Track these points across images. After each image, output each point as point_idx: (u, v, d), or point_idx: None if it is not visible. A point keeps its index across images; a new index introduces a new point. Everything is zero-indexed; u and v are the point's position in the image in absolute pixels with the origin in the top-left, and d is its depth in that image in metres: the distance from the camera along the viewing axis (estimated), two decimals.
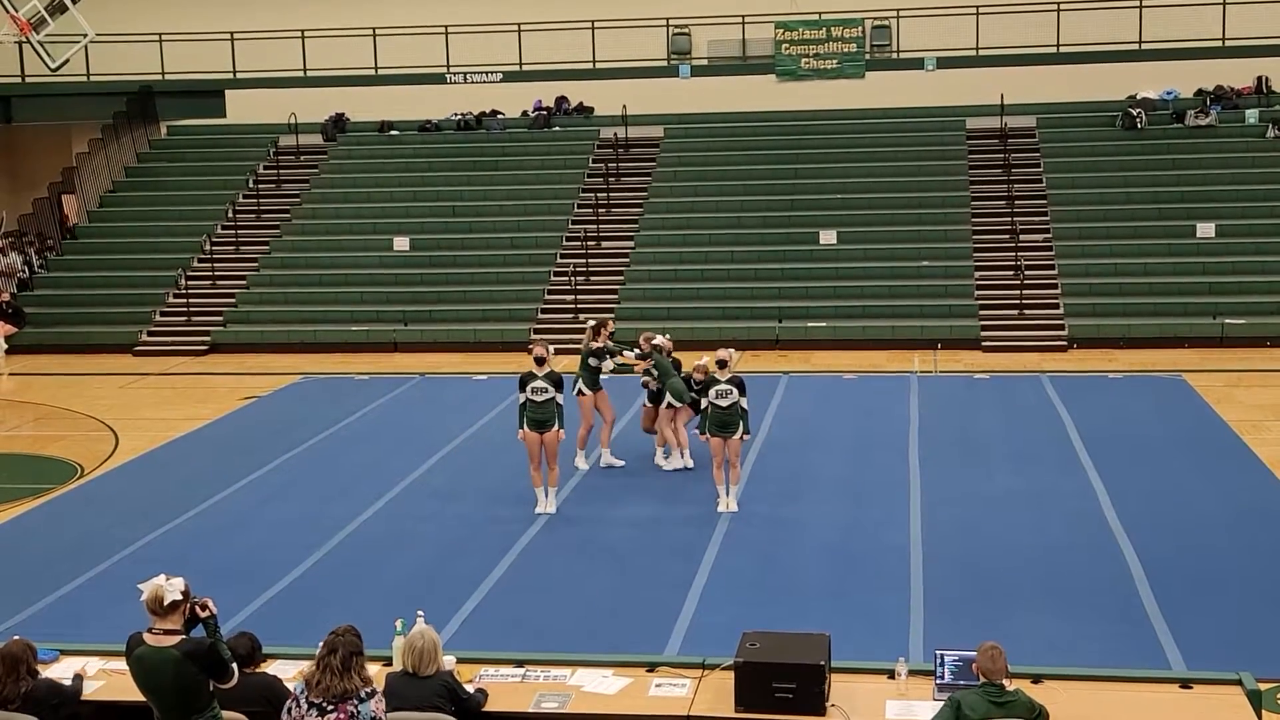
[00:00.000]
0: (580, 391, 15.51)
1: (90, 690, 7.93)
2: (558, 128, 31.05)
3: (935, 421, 17.72)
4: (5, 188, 33.34)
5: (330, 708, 6.73)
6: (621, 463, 15.56)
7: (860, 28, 29.35)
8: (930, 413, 18.28)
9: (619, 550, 12.90)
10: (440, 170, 30.09)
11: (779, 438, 17.17)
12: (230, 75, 31.23)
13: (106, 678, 8.08)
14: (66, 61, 27.78)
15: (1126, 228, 26.15)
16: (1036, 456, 15.86)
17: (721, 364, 13.70)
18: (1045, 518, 13.45)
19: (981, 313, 24.41)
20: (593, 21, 29.73)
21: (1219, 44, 28.29)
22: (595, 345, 15.54)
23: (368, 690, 6.80)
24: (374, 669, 7.17)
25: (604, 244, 27.38)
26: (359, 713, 6.74)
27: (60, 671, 8.13)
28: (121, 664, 7.39)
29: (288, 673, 7.85)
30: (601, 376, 15.63)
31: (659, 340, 15.53)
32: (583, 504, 14.45)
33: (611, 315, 17.63)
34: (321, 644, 6.89)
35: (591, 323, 16.07)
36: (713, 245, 26.90)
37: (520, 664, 8.24)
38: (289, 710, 6.85)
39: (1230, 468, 15.26)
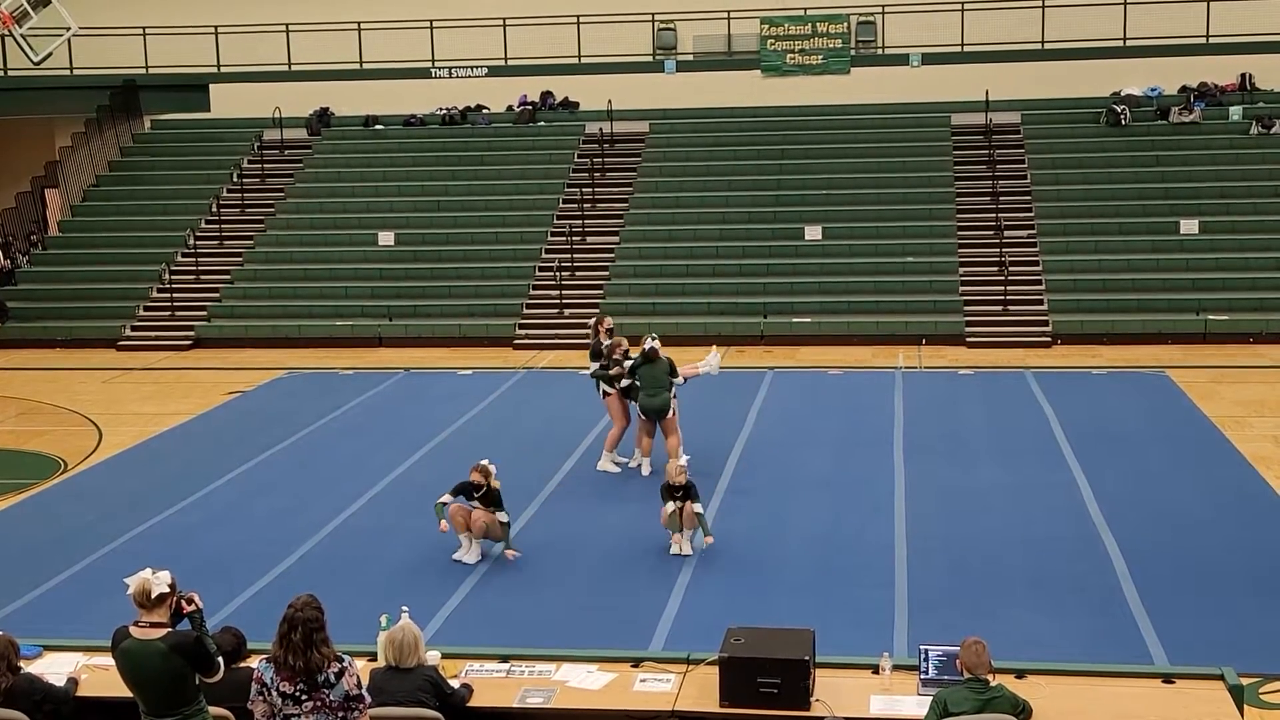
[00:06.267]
0: (605, 392, 15.43)
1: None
2: (543, 123, 31.03)
3: (920, 417, 17.75)
4: None
5: (304, 697, 6.70)
6: (618, 470, 15.46)
7: (845, 23, 29.35)
8: (915, 408, 18.32)
9: (604, 546, 12.89)
10: (425, 165, 30.04)
11: (764, 434, 17.20)
12: (214, 69, 31.11)
13: (90, 673, 8.06)
14: (49, 55, 27.67)
15: (1110, 224, 26.23)
16: (1020, 452, 15.90)
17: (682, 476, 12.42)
18: (1029, 513, 13.49)
19: (966, 308, 24.46)
20: (578, 16, 29.69)
21: (1203, 41, 28.37)
22: (604, 344, 15.47)
23: (335, 671, 6.74)
24: (360, 664, 7.14)
25: (589, 239, 27.37)
26: (329, 701, 6.71)
27: (46, 668, 8.11)
28: (105, 659, 7.38)
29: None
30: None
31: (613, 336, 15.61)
32: (568, 500, 14.45)
33: (607, 314, 17.51)
34: (281, 619, 6.82)
35: (592, 321, 16.08)
36: (698, 241, 26.91)
37: (505, 659, 8.24)
38: (260, 693, 6.81)
39: (1213, 463, 15.32)
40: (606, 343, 15.58)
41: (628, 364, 15.15)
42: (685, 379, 15.28)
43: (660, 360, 14.99)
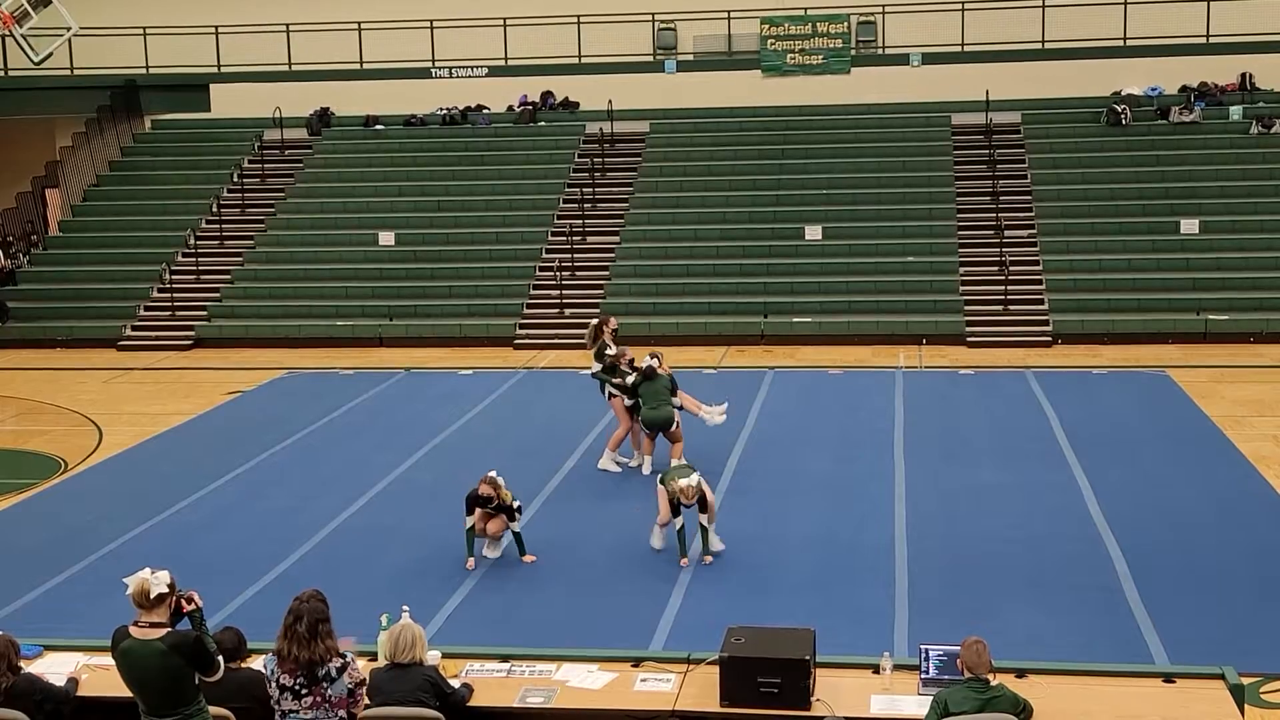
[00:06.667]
0: (611, 394, 15.40)
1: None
2: (543, 123, 31.03)
3: (920, 417, 17.75)
4: None
5: (304, 691, 6.71)
6: (619, 469, 15.40)
7: (846, 23, 29.35)
8: (915, 408, 18.32)
9: (604, 545, 12.89)
10: (425, 165, 30.05)
11: (764, 433, 17.20)
12: (215, 69, 31.12)
13: (90, 673, 8.06)
14: (50, 55, 27.64)
15: (1111, 223, 26.23)
16: (1021, 452, 15.90)
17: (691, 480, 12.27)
18: (1029, 513, 13.49)
19: (966, 308, 24.46)
20: (578, 16, 29.69)
21: (1203, 41, 28.37)
22: (609, 350, 15.40)
23: (337, 666, 6.74)
24: (360, 664, 7.15)
25: (589, 239, 27.37)
26: (329, 697, 6.72)
27: (46, 668, 8.11)
28: (106, 659, 7.38)
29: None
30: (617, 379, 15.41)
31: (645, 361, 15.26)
32: (569, 500, 14.44)
33: (610, 314, 17.34)
34: (287, 611, 6.83)
35: (594, 322, 15.99)
36: (698, 240, 26.91)
37: (505, 659, 8.24)
38: (269, 693, 6.84)
39: (1213, 463, 15.32)
40: (611, 351, 15.47)
41: (629, 380, 15.08)
42: (682, 406, 15.19)
43: (660, 376, 14.93)
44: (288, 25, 30.51)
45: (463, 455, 16.35)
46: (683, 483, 11.93)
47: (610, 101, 29.76)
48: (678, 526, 12.14)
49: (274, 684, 6.76)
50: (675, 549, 12.23)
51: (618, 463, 15.38)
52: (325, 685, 6.71)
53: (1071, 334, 23.57)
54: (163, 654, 6.75)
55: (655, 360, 14.98)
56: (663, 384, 14.87)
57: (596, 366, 15.59)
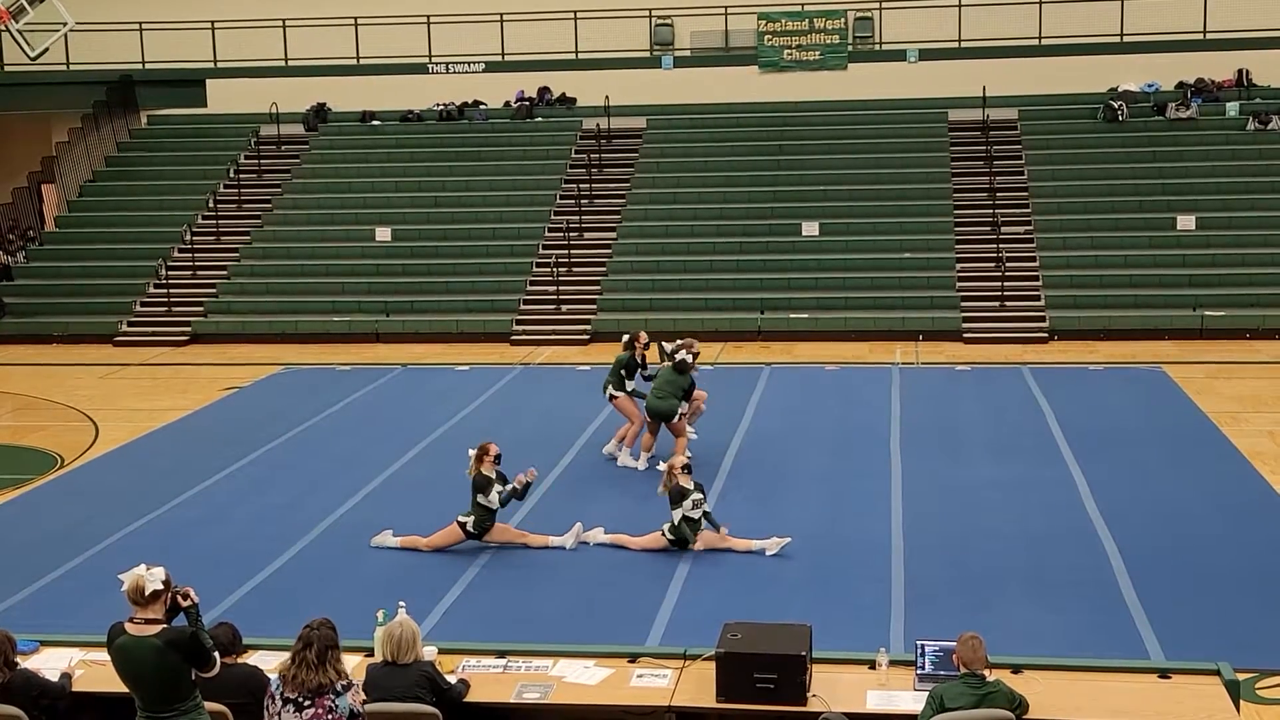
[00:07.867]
0: (612, 395, 15.44)
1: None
2: (540, 118, 31.01)
3: (916, 413, 17.75)
4: None
5: (307, 703, 6.72)
6: (638, 465, 15.29)
7: (843, 19, 29.36)
8: (911, 404, 18.32)
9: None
10: (422, 161, 30.02)
11: (761, 429, 17.20)
12: (211, 65, 31.10)
13: (86, 668, 8.06)
14: (46, 50, 27.63)
15: (1107, 220, 26.24)
16: (1017, 448, 15.90)
17: (688, 469, 12.43)
18: (1026, 509, 13.50)
19: (963, 304, 24.47)
20: (575, 12, 29.69)
21: (1200, 37, 28.39)
22: (638, 356, 15.44)
23: (344, 683, 6.79)
24: (356, 660, 7.16)
25: (586, 235, 27.36)
26: (336, 707, 6.74)
27: (43, 664, 8.11)
28: (102, 655, 7.39)
29: (269, 664, 7.83)
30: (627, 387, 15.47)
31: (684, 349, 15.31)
32: (565, 496, 14.44)
33: (642, 329, 17.09)
34: (297, 638, 6.87)
35: (625, 337, 15.92)
36: (695, 236, 26.90)
37: (502, 654, 8.25)
38: (266, 707, 6.86)
39: (1209, 459, 15.33)
40: (647, 369, 15.47)
41: (673, 360, 15.07)
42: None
43: (684, 376, 14.94)
44: (284, 20, 30.49)
45: (459, 451, 16.27)
46: (674, 459, 12.59)
47: (607, 97, 29.74)
48: (677, 521, 12.19)
49: (278, 698, 6.77)
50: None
51: (635, 455, 15.37)
52: (331, 697, 6.74)
53: (1068, 330, 23.58)
54: (158, 650, 6.75)
55: (691, 358, 15.03)
56: (680, 383, 14.89)
57: (633, 384, 15.48)
